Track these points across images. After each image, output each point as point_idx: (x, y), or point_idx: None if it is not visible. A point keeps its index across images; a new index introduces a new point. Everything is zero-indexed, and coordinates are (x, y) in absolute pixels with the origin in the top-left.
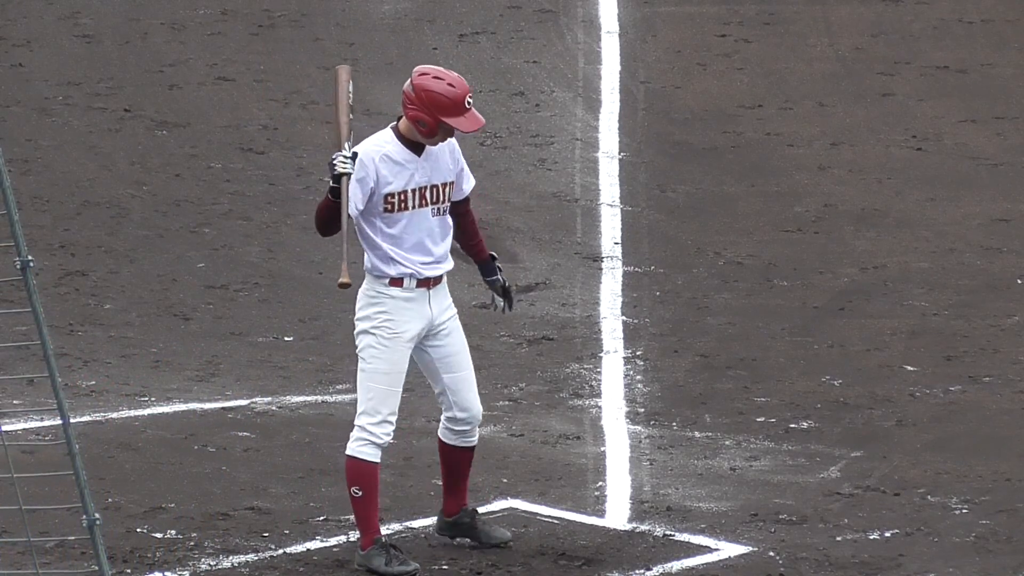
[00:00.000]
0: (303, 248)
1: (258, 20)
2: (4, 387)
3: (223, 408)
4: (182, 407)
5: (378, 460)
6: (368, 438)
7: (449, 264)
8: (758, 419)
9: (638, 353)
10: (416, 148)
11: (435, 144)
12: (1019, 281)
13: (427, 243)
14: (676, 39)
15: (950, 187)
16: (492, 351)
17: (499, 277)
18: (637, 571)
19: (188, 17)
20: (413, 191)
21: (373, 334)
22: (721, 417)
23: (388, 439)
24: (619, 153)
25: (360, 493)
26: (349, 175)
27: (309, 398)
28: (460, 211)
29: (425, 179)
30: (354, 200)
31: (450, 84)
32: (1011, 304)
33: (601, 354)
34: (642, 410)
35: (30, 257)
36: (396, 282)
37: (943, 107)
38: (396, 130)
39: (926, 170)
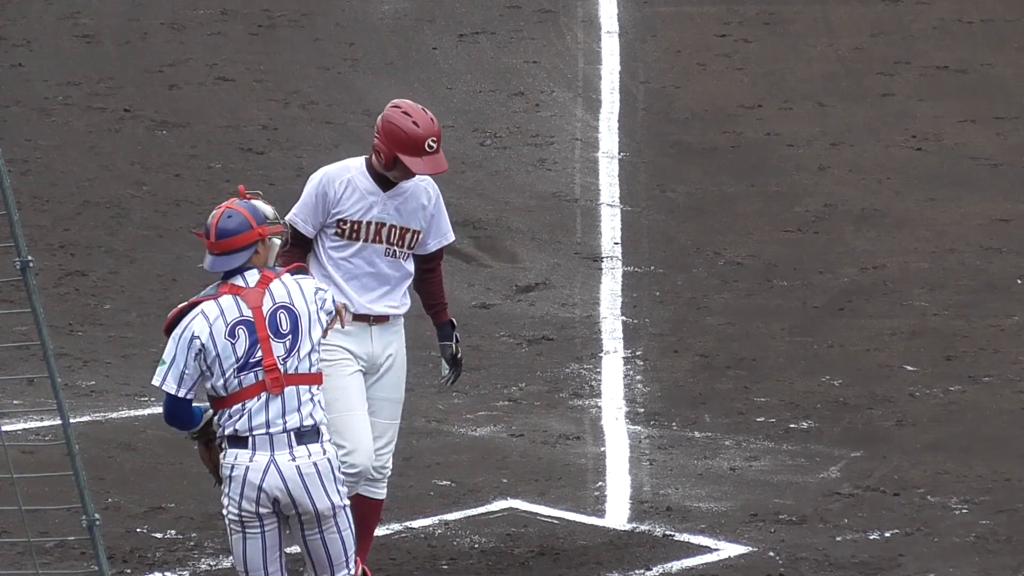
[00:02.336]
0: None
1: (258, 20)
2: (4, 387)
3: None
4: None
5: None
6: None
7: (399, 307)
8: (758, 419)
9: (638, 353)
10: (383, 183)
11: (397, 180)
12: (1019, 281)
13: (373, 281)
14: (676, 39)
15: (950, 187)
16: (492, 351)
17: (452, 344)
18: (637, 571)
19: (188, 17)
20: (368, 224)
21: (323, 360)
22: (721, 417)
23: (355, 472)
24: (619, 153)
25: None
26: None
27: None
28: (426, 267)
29: (385, 216)
30: (311, 222)
31: (415, 122)
32: (1011, 304)
33: (601, 354)
34: (642, 410)
35: (30, 257)
36: None
37: (943, 107)
38: (368, 161)
39: (926, 170)
